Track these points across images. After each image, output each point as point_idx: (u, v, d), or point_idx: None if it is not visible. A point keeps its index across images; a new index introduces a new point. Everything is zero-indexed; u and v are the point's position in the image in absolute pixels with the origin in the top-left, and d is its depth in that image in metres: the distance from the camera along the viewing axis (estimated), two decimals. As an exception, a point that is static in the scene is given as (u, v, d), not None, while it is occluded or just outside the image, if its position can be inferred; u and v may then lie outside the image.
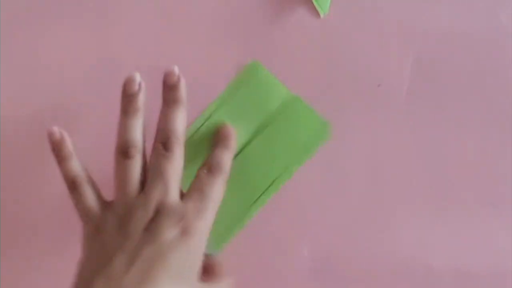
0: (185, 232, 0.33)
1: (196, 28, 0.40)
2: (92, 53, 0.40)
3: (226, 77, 0.40)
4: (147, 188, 0.34)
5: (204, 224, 0.34)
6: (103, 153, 0.35)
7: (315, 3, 0.40)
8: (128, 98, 0.35)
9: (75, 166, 0.36)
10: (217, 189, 0.35)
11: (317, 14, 0.40)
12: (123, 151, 0.35)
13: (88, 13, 0.40)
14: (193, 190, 0.35)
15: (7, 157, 0.40)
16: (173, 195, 0.34)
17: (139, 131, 0.35)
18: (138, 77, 0.35)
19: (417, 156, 0.40)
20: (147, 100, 0.35)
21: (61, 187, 0.35)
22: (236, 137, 0.38)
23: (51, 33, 0.40)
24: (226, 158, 0.37)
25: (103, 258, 0.33)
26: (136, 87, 0.35)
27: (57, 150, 0.36)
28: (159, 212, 0.33)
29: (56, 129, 0.36)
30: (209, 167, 0.36)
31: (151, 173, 0.35)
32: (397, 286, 0.40)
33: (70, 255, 0.34)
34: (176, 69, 0.35)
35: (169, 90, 0.35)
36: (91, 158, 0.36)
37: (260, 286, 0.40)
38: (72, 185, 0.35)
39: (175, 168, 0.35)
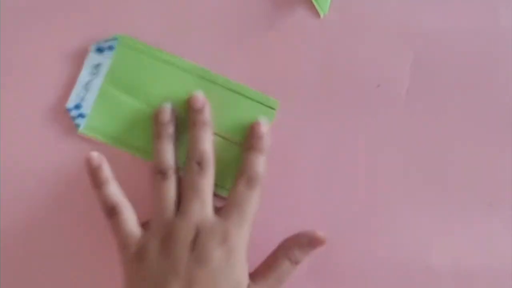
0: (229, 250, 0.35)
1: (195, 28, 0.40)
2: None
3: (225, 77, 0.40)
4: (185, 207, 0.36)
5: (244, 238, 0.36)
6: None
7: (315, 3, 0.40)
8: (161, 126, 0.38)
9: (113, 191, 0.36)
10: (255, 202, 0.37)
11: (317, 14, 0.40)
12: (161, 172, 0.37)
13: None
14: (232, 206, 0.36)
15: (7, 157, 0.40)
16: (210, 212, 0.36)
17: (173, 153, 0.37)
18: (169, 108, 0.38)
19: (417, 156, 0.40)
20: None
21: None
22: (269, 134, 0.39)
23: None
24: (262, 164, 0.37)
25: (155, 285, 0.34)
26: (169, 117, 0.38)
27: (95, 175, 0.36)
28: (201, 232, 0.35)
29: (95, 155, 0.36)
30: (247, 179, 0.37)
31: (189, 191, 0.36)
32: (397, 286, 0.40)
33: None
34: (201, 94, 0.38)
35: (196, 113, 0.38)
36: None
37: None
38: (111, 211, 0.36)
39: (210, 186, 0.37)
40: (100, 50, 0.39)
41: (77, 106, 0.39)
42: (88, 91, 0.39)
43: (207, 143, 0.37)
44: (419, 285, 0.40)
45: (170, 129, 0.38)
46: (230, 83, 0.40)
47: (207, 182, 0.36)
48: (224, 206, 0.37)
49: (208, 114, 0.38)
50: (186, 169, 0.37)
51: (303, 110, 0.40)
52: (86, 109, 0.39)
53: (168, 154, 0.37)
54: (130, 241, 0.36)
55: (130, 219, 0.36)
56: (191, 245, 0.35)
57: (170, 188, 0.36)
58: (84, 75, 0.39)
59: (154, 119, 0.38)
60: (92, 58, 0.39)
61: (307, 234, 0.37)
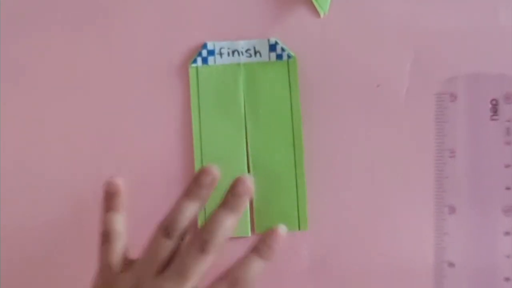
0: None
1: (195, 28, 0.40)
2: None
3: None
4: (166, 276, 0.34)
5: None
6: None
7: (315, 3, 0.40)
8: (199, 186, 0.35)
9: (116, 220, 0.36)
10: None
11: (317, 14, 0.40)
12: (167, 231, 0.35)
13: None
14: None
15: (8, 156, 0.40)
16: None
17: (191, 217, 0.35)
18: (215, 172, 0.35)
19: (417, 156, 0.40)
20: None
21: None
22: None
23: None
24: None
25: None
26: (210, 180, 0.35)
27: (107, 199, 0.36)
28: None
29: (115, 182, 0.36)
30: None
31: (177, 265, 0.34)
32: (397, 286, 0.41)
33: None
34: (249, 181, 0.35)
35: (233, 196, 0.35)
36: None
37: (259, 286, 0.40)
38: (105, 237, 0.36)
39: (200, 271, 0.34)
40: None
41: None
42: None
43: (223, 231, 0.34)
44: (419, 285, 0.40)
45: (202, 194, 0.35)
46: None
47: (198, 266, 0.34)
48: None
49: (243, 204, 0.35)
50: (189, 240, 0.35)
51: (302, 110, 0.40)
52: None
53: (185, 217, 0.35)
54: (108, 272, 0.35)
55: (117, 252, 0.36)
56: None
57: (167, 249, 0.35)
58: None
59: (195, 176, 0.36)
60: None
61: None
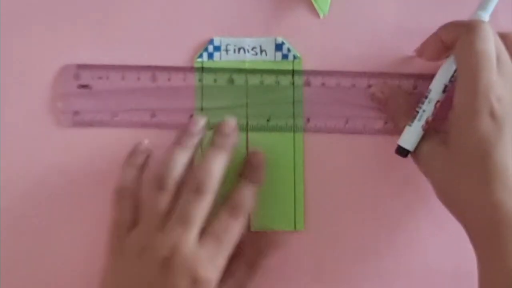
0: (197, 282, 0.33)
1: (195, 27, 0.41)
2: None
3: (226, 74, 0.41)
4: (169, 227, 0.34)
5: (215, 271, 0.34)
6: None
7: (314, 3, 0.41)
8: (187, 135, 0.37)
9: (134, 177, 0.37)
10: (235, 232, 0.35)
11: (317, 14, 0.41)
12: (160, 182, 0.35)
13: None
14: (210, 235, 0.35)
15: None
16: (191, 238, 0.34)
17: (183, 167, 0.36)
18: (203, 122, 0.37)
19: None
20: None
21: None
22: (265, 166, 0.38)
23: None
24: (250, 195, 0.37)
25: (126, 284, 0.34)
26: (199, 129, 0.37)
27: (132, 155, 0.38)
28: (173, 257, 0.34)
29: (145, 144, 0.38)
30: (231, 208, 0.36)
31: (178, 212, 0.35)
32: (393, 286, 0.39)
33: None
34: (233, 122, 0.37)
35: (220, 135, 0.37)
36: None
37: (254, 286, 0.39)
38: (120, 192, 0.37)
39: (202, 214, 0.35)
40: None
41: None
42: None
43: (216, 168, 0.35)
44: (419, 285, 0.39)
45: (193, 141, 0.37)
46: None
47: (199, 209, 0.35)
48: (204, 233, 0.35)
49: (231, 143, 0.37)
50: (184, 187, 0.35)
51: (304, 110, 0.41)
52: None
53: (177, 167, 0.36)
54: (118, 229, 0.36)
55: (132, 207, 0.37)
56: (161, 267, 0.34)
57: (163, 201, 0.35)
58: None
59: (185, 127, 0.37)
60: None
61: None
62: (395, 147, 0.37)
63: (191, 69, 0.40)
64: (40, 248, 0.40)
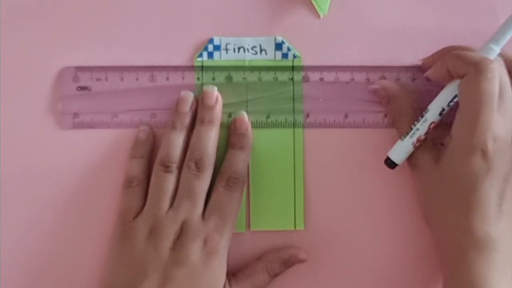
0: (209, 252, 0.36)
1: (195, 27, 0.41)
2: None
3: (226, 74, 0.41)
4: (176, 205, 0.36)
5: (225, 240, 0.36)
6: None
7: (315, 3, 0.40)
8: (180, 115, 0.38)
9: (141, 167, 0.38)
10: (236, 203, 0.37)
11: (317, 14, 0.41)
12: (164, 165, 0.37)
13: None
14: (213, 209, 0.37)
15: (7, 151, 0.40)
16: (198, 214, 0.36)
17: (182, 147, 0.37)
18: (191, 97, 0.38)
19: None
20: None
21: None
22: (250, 130, 0.39)
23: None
24: (242, 163, 0.38)
25: (134, 269, 0.35)
26: (188, 107, 0.38)
27: (136, 146, 0.39)
28: (185, 232, 0.36)
29: (145, 132, 0.39)
30: (227, 180, 0.37)
31: (182, 190, 0.37)
32: (391, 285, 0.40)
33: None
34: (215, 90, 0.38)
35: (206, 110, 0.38)
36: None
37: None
38: (129, 182, 0.38)
39: (203, 188, 0.37)
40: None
41: None
42: None
43: (210, 144, 0.37)
44: (419, 285, 0.40)
45: (186, 121, 0.38)
46: None
47: (201, 184, 0.37)
48: (207, 208, 0.37)
49: (218, 114, 0.38)
50: (184, 167, 0.37)
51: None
52: None
53: (177, 148, 0.37)
54: (126, 215, 0.37)
55: (139, 195, 0.37)
56: (174, 244, 0.35)
57: (170, 182, 0.37)
58: None
59: (176, 107, 0.38)
60: None
61: (289, 251, 0.38)
62: (395, 140, 0.38)
63: (190, 68, 0.40)
64: (40, 248, 0.40)
